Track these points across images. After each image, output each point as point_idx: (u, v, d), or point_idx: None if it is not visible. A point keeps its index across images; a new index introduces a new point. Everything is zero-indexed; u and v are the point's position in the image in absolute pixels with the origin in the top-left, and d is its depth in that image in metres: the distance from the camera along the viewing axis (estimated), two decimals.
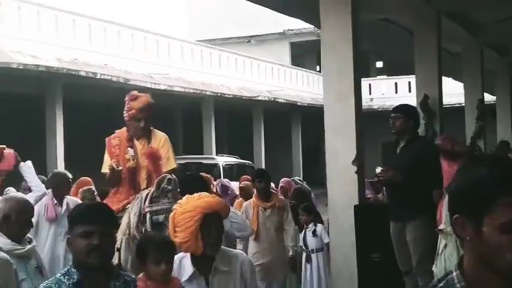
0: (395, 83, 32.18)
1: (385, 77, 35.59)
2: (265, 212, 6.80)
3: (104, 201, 5.22)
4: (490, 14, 11.64)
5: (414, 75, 11.04)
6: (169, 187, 4.65)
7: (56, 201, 6.61)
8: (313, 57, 35.90)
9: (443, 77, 10.82)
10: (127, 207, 5.08)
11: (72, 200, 6.87)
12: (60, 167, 17.37)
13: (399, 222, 5.89)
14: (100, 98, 20.07)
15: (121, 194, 5.39)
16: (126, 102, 5.48)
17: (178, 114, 25.94)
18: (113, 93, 19.90)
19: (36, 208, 6.50)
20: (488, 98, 16.72)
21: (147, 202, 4.64)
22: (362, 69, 7.85)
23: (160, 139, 5.50)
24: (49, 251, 6.44)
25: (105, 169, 5.44)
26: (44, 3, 18.17)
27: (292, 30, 33.53)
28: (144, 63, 20.85)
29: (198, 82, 23.06)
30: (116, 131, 5.61)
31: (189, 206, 3.25)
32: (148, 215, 4.60)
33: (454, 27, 11.86)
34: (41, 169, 17.06)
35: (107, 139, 5.56)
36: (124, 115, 5.51)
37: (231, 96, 24.56)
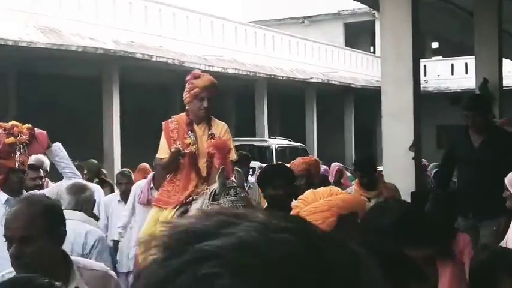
0: (452, 64, 31.54)
1: (440, 58, 34.90)
2: (369, 203, 6.31)
3: (160, 191, 5.11)
4: None
5: (471, 57, 10.83)
6: (234, 183, 4.27)
7: (152, 186, 6.67)
8: (368, 38, 35.47)
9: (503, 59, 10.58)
10: (194, 198, 4.77)
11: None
12: (116, 148, 17.73)
13: (473, 219, 5.77)
14: (155, 80, 20.34)
15: (179, 181, 4.98)
16: (188, 82, 5.06)
17: (231, 96, 26.05)
18: (167, 75, 20.21)
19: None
20: None
21: (210, 199, 4.26)
22: (419, 49, 7.74)
23: (221, 128, 5.17)
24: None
25: (162, 154, 5.09)
26: None
27: (347, 10, 33.15)
28: (199, 45, 20.98)
29: (251, 64, 23.08)
30: (173, 116, 5.29)
31: (322, 205, 2.57)
32: None
33: None
34: (98, 152, 17.54)
35: (164, 123, 5.17)
36: (184, 97, 5.10)
37: (284, 78, 24.51)
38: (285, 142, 20.48)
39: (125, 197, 7.33)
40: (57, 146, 5.31)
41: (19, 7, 15.59)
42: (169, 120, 5.19)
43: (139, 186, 6.93)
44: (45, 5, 16.39)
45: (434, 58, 35.11)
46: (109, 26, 17.79)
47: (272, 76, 23.74)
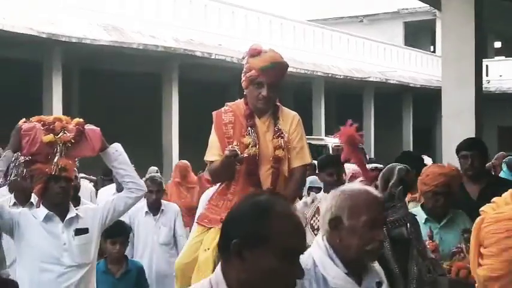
0: None
1: (503, 57, 34.08)
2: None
3: (206, 205, 3.86)
4: None
5: None
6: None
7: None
8: (428, 37, 34.91)
9: None
10: None
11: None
12: (175, 145, 18.00)
13: None
14: (214, 78, 20.54)
15: (233, 195, 3.73)
16: (245, 61, 3.84)
17: (289, 94, 26.05)
18: (226, 73, 20.38)
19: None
20: None
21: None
22: (481, 49, 7.62)
23: (292, 120, 3.89)
24: None
25: (211, 156, 3.81)
26: None
27: (407, 9, 32.72)
28: (257, 43, 21.01)
29: (309, 62, 23.05)
30: (228, 104, 3.96)
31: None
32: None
33: None
34: (157, 147, 17.83)
35: (215, 113, 3.90)
36: (241, 80, 3.88)
37: (341, 77, 24.39)
38: None
39: (154, 208, 6.30)
40: (116, 148, 3.92)
41: (83, 5, 16.00)
42: (222, 109, 3.89)
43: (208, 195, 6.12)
44: (109, 4, 16.76)
45: (496, 58, 34.33)
46: (169, 24, 18.06)
47: (330, 75, 23.65)
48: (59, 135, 3.71)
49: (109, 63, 17.48)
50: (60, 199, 3.77)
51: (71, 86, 18.18)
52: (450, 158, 6.77)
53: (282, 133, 3.80)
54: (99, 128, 3.90)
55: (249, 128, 3.78)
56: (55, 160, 3.67)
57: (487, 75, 30.12)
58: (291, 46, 22.92)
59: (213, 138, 3.85)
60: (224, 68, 19.31)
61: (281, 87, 3.90)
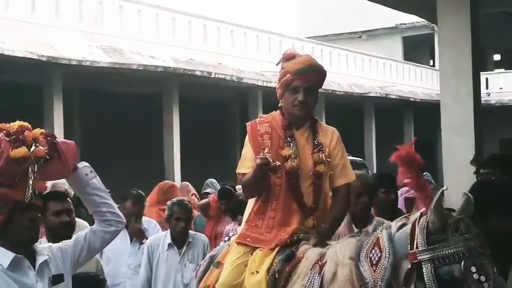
0: None
1: (503, 70, 34.15)
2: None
3: (245, 226, 3.48)
4: None
5: None
6: (453, 211, 2.70)
7: None
8: (427, 52, 35.02)
9: None
10: (300, 237, 3.33)
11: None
12: (177, 165, 18.00)
13: None
14: (214, 97, 20.59)
15: (275, 213, 3.43)
16: (280, 67, 3.60)
17: None
18: (226, 92, 20.45)
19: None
20: None
21: (419, 240, 2.61)
22: (479, 63, 7.65)
23: (331, 135, 3.59)
24: None
25: (244, 169, 3.50)
26: (162, 6, 18.86)
27: (405, 24, 32.84)
28: (257, 61, 21.15)
29: None
30: (262, 115, 3.69)
31: None
32: (429, 266, 2.56)
33: None
34: (159, 168, 17.84)
35: (249, 124, 3.60)
36: (276, 88, 3.61)
37: (341, 93, 24.45)
38: None
39: (180, 240, 5.32)
40: (87, 167, 3.10)
41: (82, 28, 16.09)
42: (257, 120, 3.61)
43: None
44: (107, 26, 16.86)
45: (496, 70, 34.40)
46: (169, 45, 18.15)
47: (330, 91, 23.68)
48: (31, 149, 2.81)
49: (109, 85, 17.53)
50: (30, 236, 2.87)
51: (72, 108, 18.22)
52: (450, 171, 6.78)
53: (323, 147, 3.50)
54: (73, 142, 3.08)
55: (288, 139, 3.49)
56: (29, 183, 2.79)
57: (487, 88, 30.18)
58: None
59: (247, 150, 3.54)
60: (224, 86, 19.38)
61: (317, 96, 3.62)
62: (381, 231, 2.76)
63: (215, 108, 21.77)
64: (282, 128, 3.52)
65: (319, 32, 32.43)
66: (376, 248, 2.73)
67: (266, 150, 3.32)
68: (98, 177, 3.10)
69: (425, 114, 26.84)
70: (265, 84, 20.13)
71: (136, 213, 5.63)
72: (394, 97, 27.01)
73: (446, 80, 6.97)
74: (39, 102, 15.62)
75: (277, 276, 3.17)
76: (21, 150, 2.79)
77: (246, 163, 3.50)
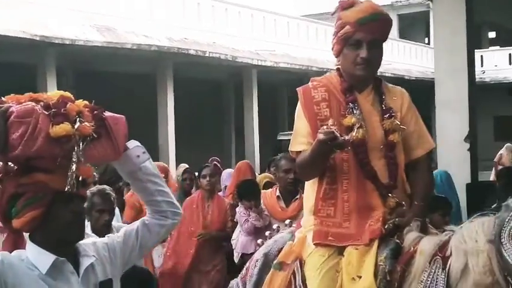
0: (510, 54, 30.83)
1: (498, 47, 34.10)
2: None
3: (315, 221, 2.87)
4: None
5: None
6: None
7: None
8: (422, 29, 34.93)
9: None
10: (396, 221, 2.73)
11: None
12: (171, 145, 18.00)
13: None
14: (209, 76, 20.53)
15: (346, 194, 2.84)
16: (336, 17, 3.01)
17: (284, 90, 26.06)
18: (221, 71, 20.39)
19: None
20: None
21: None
22: (474, 40, 7.65)
23: (401, 97, 3.03)
24: None
25: (298, 145, 2.92)
26: None
27: (400, 1, 32.74)
28: (251, 40, 21.06)
29: (304, 58, 23.04)
30: (315, 78, 3.07)
31: None
32: None
33: None
34: (154, 148, 17.84)
35: (300, 90, 2.99)
36: (332, 45, 3.02)
37: None
38: None
39: (103, 236, 4.19)
40: (139, 147, 2.50)
41: (75, 7, 15.96)
42: (310, 85, 3.01)
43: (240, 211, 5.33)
44: (101, 4, 16.73)
45: (491, 48, 34.35)
46: (163, 24, 18.04)
47: (325, 69, 23.63)
48: (76, 126, 2.24)
49: (103, 64, 17.45)
50: (74, 234, 2.32)
51: (66, 88, 18.09)
52: (444, 147, 6.80)
53: (394, 112, 2.90)
54: (123, 116, 2.51)
55: (350, 105, 2.87)
56: (73, 168, 2.22)
57: (482, 66, 30.16)
58: (285, 42, 22.91)
59: (301, 123, 2.92)
60: (219, 65, 19.31)
61: (382, 52, 2.94)
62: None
63: (210, 88, 21.73)
64: (341, 92, 2.91)
65: (314, 10, 32.26)
66: None
67: (331, 122, 2.71)
68: (151, 159, 2.51)
69: (421, 92, 26.72)
70: (259, 63, 20.08)
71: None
72: (389, 75, 26.94)
73: (441, 57, 6.98)
74: (32, 81, 15.55)
75: (388, 278, 2.56)
76: (64, 127, 2.21)
77: (300, 138, 2.91)
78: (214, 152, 15.32)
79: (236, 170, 7.50)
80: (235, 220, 5.60)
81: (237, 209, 5.38)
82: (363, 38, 2.85)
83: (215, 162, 9.25)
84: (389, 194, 2.82)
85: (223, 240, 6.12)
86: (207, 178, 6.30)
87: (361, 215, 2.78)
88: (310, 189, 2.95)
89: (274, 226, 4.30)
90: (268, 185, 6.34)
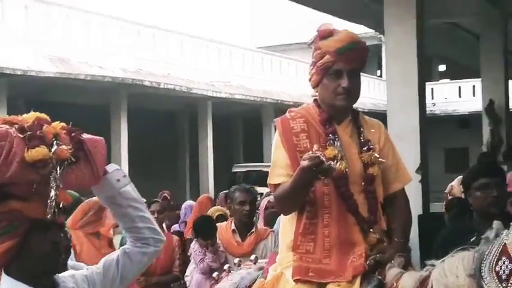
0: (459, 87, 31.57)
1: (448, 80, 34.92)
2: None
3: (295, 257, 2.74)
4: None
5: (478, 79, 10.90)
6: None
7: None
8: (375, 62, 35.54)
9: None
10: (377, 258, 2.66)
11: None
12: None
13: None
14: (163, 107, 20.45)
15: (328, 228, 2.74)
16: (314, 46, 2.91)
17: (239, 121, 26.12)
18: (176, 102, 20.31)
19: None
20: None
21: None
22: (424, 73, 7.82)
23: (378, 129, 2.96)
24: None
25: (277, 178, 2.83)
26: (110, 15, 18.66)
27: None
28: (206, 71, 21.11)
29: (258, 89, 23.17)
30: (291, 110, 2.99)
31: None
32: None
33: None
34: None
35: (278, 121, 2.91)
36: (310, 75, 2.92)
37: (291, 103, 24.55)
38: None
39: None
40: (119, 171, 2.38)
41: (28, 37, 15.76)
42: (289, 115, 2.92)
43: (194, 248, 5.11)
44: (54, 34, 16.56)
45: (441, 81, 35.15)
46: (117, 54, 17.95)
47: (279, 101, 23.80)
48: (53, 149, 2.09)
49: (56, 95, 17.21)
50: (52, 265, 2.16)
51: None
52: None
53: (372, 145, 2.84)
54: (102, 138, 2.39)
55: (331, 136, 2.78)
56: (51, 194, 2.06)
57: (432, 98, 30.82)
58: (240, 73, 23.03)
59: (279, 155, 2.82)
60: (173, 97, 19.26)
61: (360, 81, 2.90)
62: (507, 235, 2.16)
63: (164, 119, 21.62)
64: (320, 123, 2.82)
65: (270, 42, 32.60)
66: (504, 257, 2.12)
67: (316, 147, 2.62)
68: (132, 183, 2.36)
69: None
70: (215, 94, 20.12)
71: None
72: None
73: (393, 90, 7.08)
74: None
75: None
76: (41, 151, 2.06)
77: (279, 170, 2.80)
78: (168, 184, 15.19)
79: (197, 204, 7.39)
80: (189, 254, 5.34)
81: (192, 246, 5.12)
82: (343, 67, 2.80)
83: (165, 195, 9.14)
84: (371, 230, 2.75)
85: (171, 283, 5.90)
86: (155, 215, 6.04)
87: (342, 251, 2.70)
88: (289, 224, 2.83)
89: (235, 261, 4.06)
90: (220, 218, 6.19)
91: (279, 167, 2.81)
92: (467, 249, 2.32)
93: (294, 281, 2.69)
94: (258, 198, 6.22)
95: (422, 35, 7.00)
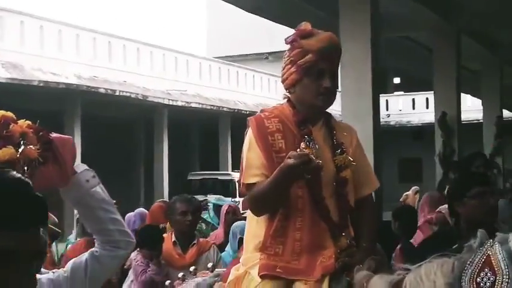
0: (413, 99, 32.15)
1: (402, 93, 35.49)
2: None
3: (261, 256, 2.66)
4: (510, 32, 11.65)
5: (432, 92, 11.09)
6: None
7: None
8: None
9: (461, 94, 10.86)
10: (345, 261, 2.61)
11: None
12: None
13: None
14: (119, 115, 20.26)
15: (300, 232, 2.68)
16: (291, 44, 2.78)
17: (195, 130, 26.05)
18: (131, 110, 20.14)
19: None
20: (507, 114, 16.67)
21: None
22: (379, 85, 7.93)
23: (350, 132, 2.89)
24: None
25: (252, 177, 2.70)
26: (65, 22, 18.44)
27: None
28: (163, 80, 21.02)
29: (215, 98, 23.19)
30: (264, 109, 2.91)
31: None
32: None
33: (474, 45, 11.88)
34: (56, 189, 17.30)
35: (252, 120, 2.80)
36: (283, 73, 2.80)
37: (247, 112, 24.63)
38: None
39: None
40: (88, 171, 2.30)
41: None
42: (263, 114, 2.81)
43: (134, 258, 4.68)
44: (8, 40, 16.28)
45: (396, 93, 35.70)
46: (72, 61, 17.75)
47: (236, 110, 23.85)
48: (20, 149, 2.01)
49: (8, 101, 16.87)
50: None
51: None
52: None
53: (345, 148, 2.76)
54: (71, 137, 2.31)
55: (307, 137, 2.69)
56: None
57: (387, 110, 31.28)
58: (197, 82, 23.01)
59: (253, 154, 2.70)
60: (129, 105, 19.10)
61: (337, 79, 2.87)
62: (491, 246, 2.07)
63: (119, 127, 21.41)
64: (295, 124, 2.73)
65: (227, 52, 32.65)
66: (486, 269, 2.03)
67: (303, 145, 2.59)
68: (101, 184, 2.27)
69: None
70: (171, 103, 20.03)
71: None
72: None
73: (348, 102, 7.17)
74: None
75: None
76: (7, 151, 1.97)
77: (254, 170, 2.68)
78: (122, 192, 15.01)
79: (149, 212, 7.05)
80: (126, 267, 4.87)
81: (133, 256, 4.66)
82: (326, 67, 2.71)
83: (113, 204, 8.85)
84: (343, 234, 2.66)
85: None
86: None
87: (311, 254, 2.62)
88: (257, 225, 2.73)
89: (180, 275, 3.89)
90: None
91: (254, 167, 2.69)
92: (448, 255, 2.20)
93: (260, 277, 2.60)
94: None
95: (377, 48, 7.10)
